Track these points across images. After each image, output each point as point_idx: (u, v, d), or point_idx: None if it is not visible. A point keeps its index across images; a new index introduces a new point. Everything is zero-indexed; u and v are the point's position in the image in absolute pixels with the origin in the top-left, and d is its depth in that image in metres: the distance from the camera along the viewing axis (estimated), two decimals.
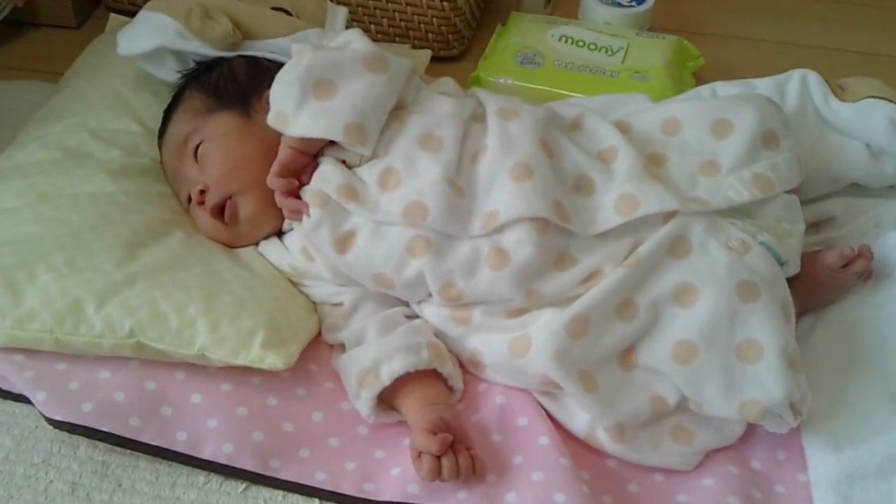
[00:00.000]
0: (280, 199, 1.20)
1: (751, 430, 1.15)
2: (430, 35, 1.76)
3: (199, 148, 1.25)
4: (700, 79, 1.72)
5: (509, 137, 1.18)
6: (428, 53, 1.63)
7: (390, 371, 1.11)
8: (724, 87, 1.38)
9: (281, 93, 1.19)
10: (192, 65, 1.38)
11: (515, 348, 1.13)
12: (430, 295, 1.18)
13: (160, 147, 1.34)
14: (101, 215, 1.23)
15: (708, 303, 1.10)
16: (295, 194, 1.20)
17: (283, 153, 1.20)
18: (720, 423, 1.13)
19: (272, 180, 1.19)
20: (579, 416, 1.13)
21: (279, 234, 1.28)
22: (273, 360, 1.11)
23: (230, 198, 1.24)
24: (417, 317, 1.22)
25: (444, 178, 1.15)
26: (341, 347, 1.21)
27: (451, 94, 1.29)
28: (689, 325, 1.10)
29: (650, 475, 1.13)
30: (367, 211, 1.16)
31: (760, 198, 1.17)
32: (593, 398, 1.09)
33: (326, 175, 1.19)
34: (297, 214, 1.20)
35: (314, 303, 1.25)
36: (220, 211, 1.24)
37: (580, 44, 1.68)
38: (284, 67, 1.21)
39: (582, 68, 1.64)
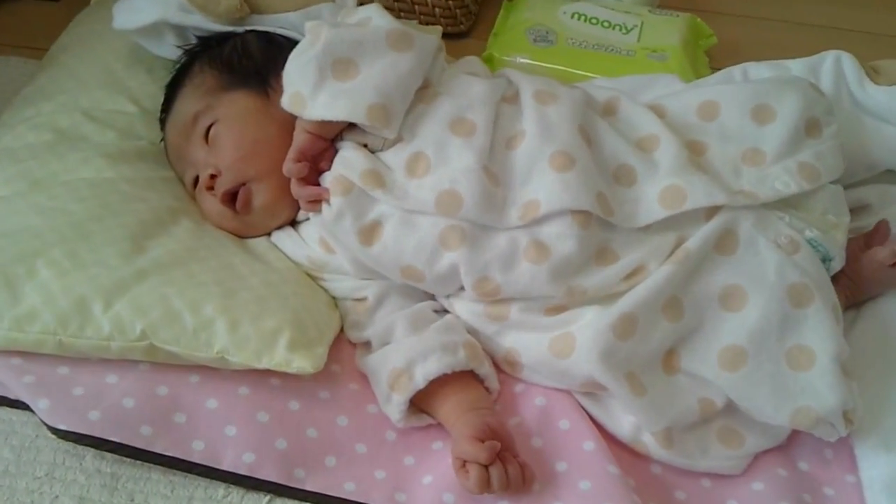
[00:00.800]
0: (296, 188, 1.12)
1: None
2: (436, 10, 1.67)
3: (212, 128, 1.16)
4: (711, 58, 1.66)
5: (548, 124, 1.10)
6: (439, 30, 1.54)
7: (425, 372, 1.04)
8: (756, 69, 1.32)
9: (296, 73, 1.10)
10: (194, 40, 1.28)
11: (557, 348, 1.06)
12: (462, 289, 1.11)
13: (163, 126, 1.24)
14: (102, 204, 1.14)
15: (757, 308, 1.04)
16: (313, 182, 1.12)
17: (300, 138, 1.11)
18: (768, 424, 1.07)
19: (289, 166, 1.10)
20: (624, 420, 1.07)
21: (292, 223, 1.20)
22: (301, 364, 1.03)
23: (244, 184, 1.15)
24: (446, 311, 1.15)
25: (480, 166, 1.07)
26: (366, 346, 1.14)
27: (480, 74, 1.20)
28: (738, 330, 1.04)
29: (697, 481, 1.07)
30: (396, 198, 1.08)
31: (808, 189, 1.11)
32: (643, 402, 1.03)
33: (349, 160, 1.10)
34: (315, 205, 1.11)
35: (335, 298, 1.17)
36: (231, 198, 1.15)
37: (593, 21, 1.61)
38: (299, 46, 1.12)
39: (597, 47, 1.56)
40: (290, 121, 1.12)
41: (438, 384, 1.04)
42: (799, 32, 1.83)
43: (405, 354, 1.05)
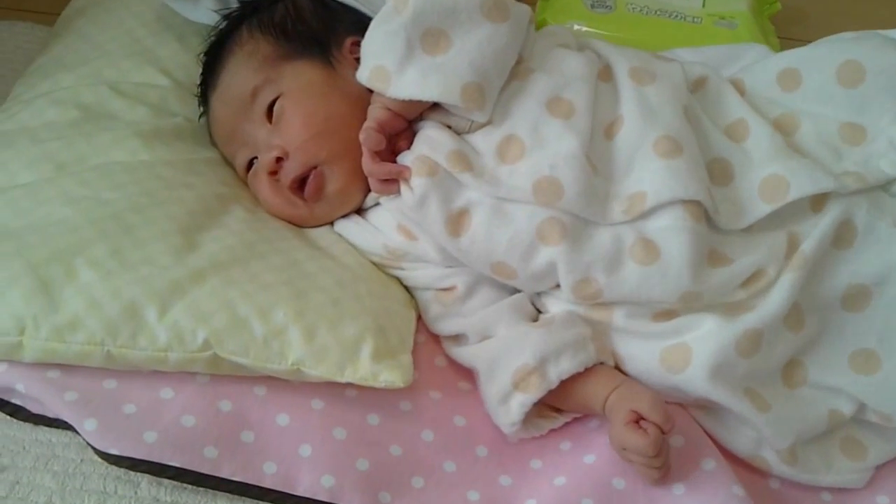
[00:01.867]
0: (370, 163, 0.98)
1: None
2: None
3: (276, 104, 1.03)
4: (775, 27, 1.54)
5: (649, 107, 0.98)
6: None
7: (559, 371, 0.93)
8: None
9: (380, 44, 0.96)
10: (234, 4, 1.14)
11: (670, 362, 0.94)
12: (557, 288, 0.99)
13: (204, 101, 1.10)
14: (143, 192, 1.00)
15: (885, 304, 0.95)
16: (388, 161, 0.99)
17: (379, 113, 0.98)
18: (891, 432, 0.98)
19: (368, 133, 0.97)
20: (743, 434, 0.96)
21: (358, 210, 1.07)
22: (390, 377, 0.90)
23: (315, 168, 1.02)
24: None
25: (582, 152, 0.95)
26: (454, 338, 1.02)
27: (571, 46, 1.07)
28: (866, 332, 0.96)
29: (818, 495, 0.98)
30: (487, 184, 0.96)
31: None
32: (769, 418, 0.93)
33: (434, 140, 0.98)
34: (390, 185, 0.99)
35: (407, 291, 1.05)
36: (300, 184, 1.02)
37: None
38: (382, 13, 0.98)
39: (660, 13, 1.44)
40: (363, 96, 1.00)
41: (566, 382, 0.94)
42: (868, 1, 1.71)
43: (535, 351, 0.94)
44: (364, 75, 0.97)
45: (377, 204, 1.04)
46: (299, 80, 1.03)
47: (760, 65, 1.08)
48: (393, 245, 1.02)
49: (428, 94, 0.95)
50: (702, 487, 0.92)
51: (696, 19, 1.43)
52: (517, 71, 1.00)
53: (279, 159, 1.01)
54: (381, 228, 1.03)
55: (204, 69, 1.10)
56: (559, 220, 0.94)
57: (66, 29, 1.24)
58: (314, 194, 1.02)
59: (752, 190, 0.97)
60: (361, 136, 0.97)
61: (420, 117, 1.00)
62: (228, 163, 1.09)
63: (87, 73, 1.15)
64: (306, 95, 1.02)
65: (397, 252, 1.02)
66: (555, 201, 0.94)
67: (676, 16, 1.44)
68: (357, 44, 1.05)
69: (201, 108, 1.12)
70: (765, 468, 0.96)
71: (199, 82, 1.11)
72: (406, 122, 0.99)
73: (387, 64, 0.96)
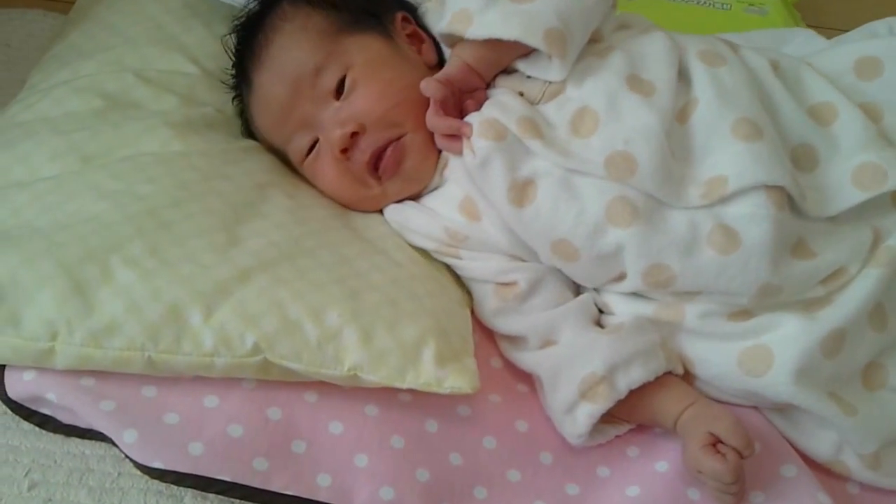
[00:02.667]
0: (434, 117, 0.93)
1: None
2: None
3: (347, 78, 0.96)
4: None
5: (724, 88, 0.92)
6: None
7: (629, 381, 0.87)
8: None
9: None
10: None
11: (750, 365, 0.89)
12: (620, 279, 0.93)
13: (249, 82, 1.01)
14: (178, 185, 0.93)
15: None
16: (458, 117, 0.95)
17: (453, 64, 0.94)
18: None
19: (436, 87, 0.91)
20: (822, 438, 0.91)
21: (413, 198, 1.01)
22: (456, 382, 0.84)
23: (396, 140, 0.96)
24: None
25: (662, 129, 0.89)
26: (512, 339, 0.97)
27: (649, 30, 1.00)
28: None
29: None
30: (557, 154, 0.90)
31: None
32: (855, 422, 0.88)
33: (505, 104, 0.93)
34: (453, 142, 0.94)
35: (461, 290, 0.98)
36: (377, 160, 0.96)
37: None
38: None
39: (689, 0, 1.40)
40: (427, 70, 0.97)
41: (635, 391, 0.89)
42: None
43: (604, 359, 0.88)
44: (444, 24, 0.94)
45: (437, 188, 0.99)
46: (367, 53, 0.97)
47: (833, 51, 1.03)
48: (454, 227, 0.96)
49: (509, 32, 0.90)
50: (784, 495, 0.87)
51: (725, 6, 1.40)
52: (595, 48, 0.96)
53: (355, 134, 0.95)
54: (440, 211, 0.97)
55: (241, 49, 1.03)
56: (630, 201, 0.89)
57: (83, 15, 1.17)
58: (392, 168, 0.96)
59: (842, 177, 0.92)
60: (422, 85, 0.92)
61: (492, 84, 0.96)
62: (269, 150, 1.03)
63: (109, 61, 1.08)
64: (379, 67, 0.97)
65: (458, 235, 0.96)
66: (627, 177, 0.88)
67: (705, 2, 1.40)
68: (407, 19, 1.01)
69: (237, 92, 1.05)
70: (844, 473, 0.91)
71: (233, 63, 1.04)
72: (480, 81, 0.95)
73: (470, 6, 0.92)
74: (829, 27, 1.36)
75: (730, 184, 0.88)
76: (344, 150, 0.95)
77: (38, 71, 1.11)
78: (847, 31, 1.24)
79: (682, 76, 0.94)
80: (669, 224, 0.89)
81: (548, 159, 0.90)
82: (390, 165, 0.96)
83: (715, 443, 0.84)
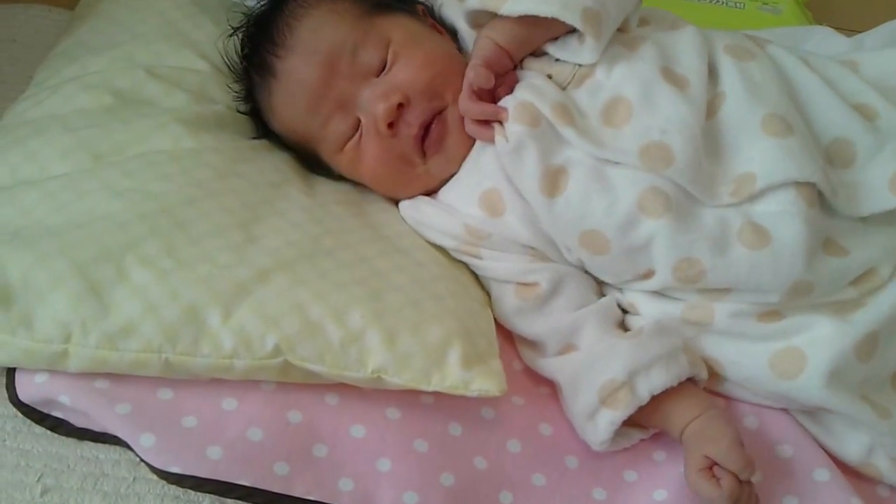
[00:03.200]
0: (468, 102, 0.90)
1: None
2: None
3: (389, 52, 0.94)
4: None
5: (754, 83, 0.90)
6: None
7: (651, 386, 0.85)
8: None
9: None
10: None
11: (782, 367, 0.87)
12: (647, 276, 0.91)
13: (272, 71, 0.97)
14: (193, 182, 0.91)
15: None
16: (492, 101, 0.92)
17: (485, 46, 0.91)
18: None
19: (479, 71, 0.89)
20: (852, 442, 0.89)
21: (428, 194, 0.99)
22: (484, 385, 0.82)
23: (440, 113, 0.93)
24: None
25: (696, 122, 0.88)
26: (530, 347, 0.94)
27: (676, 25, 0.98)
28: None
29: None
30: (590, 143, 0.88)
31: None
32: (890, 424, 0.86)
33: (539, 88, 0.91)
34: (486, 130, 0.91)
35: (482, 290, 0.96)
36: (424, 133, 0.93)
37: None
38: None
39: None
40: (456, 54, 0.97)
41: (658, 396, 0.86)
42: None
43: (624, 363, 0.86)
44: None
45: (451, 181, 0.96)
46: (405, 28, 0.96)
47: (876, 52, 1.02)
48: (474, 224, 0.93)
49: (547, 9, 0.87)
50: (818, 500, 0.85)
51: (739, 4, 1.40)
52: (622, 37, 0.94)
53: (401, 105, 0.92)
54: (459, 207, 0.95)
55: (256, 42, 0.99)
56: (663, 192, 0.87)
57: (90, 11, 1.15)
58: (438, 142, 0.93)
59: (880, 179, 0.89)
60: (469, 74, 0.90)
61: (520, 65, 0.94)
62: (288, 146, 1.00)
63: (118, 57, 1.06)
64: (418, 39, 0.96)
65: (479, 233, 0.93)
66: (663, 168, 0.86)
67: (720, 1, 1.39)
68: (426, 12, 1.00)
69: (248, 88, 1.01)
70: (875, 476, 0.89)
71: (245, 59, 1.01)
72: (510, 63, 0.93)
73: None
74: (840, 27, 1.34)
75: (758, 181, 0.86)
76: (391, 125, 0.92)
77: (45, 67, 1.09)
78: (857, 30, 1.23)
79: (710, 70, 0.92)
80: (700, 220, 0.87)
81: (581, 149, 0.88)
82: (436, 138, 0.93)
83: (711, 466, 0.82)
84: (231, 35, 1.04)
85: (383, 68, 0.94)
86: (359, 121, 0.94)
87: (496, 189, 0.93)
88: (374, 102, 0.92)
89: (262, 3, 1.03)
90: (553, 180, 0.89)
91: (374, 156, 0.94)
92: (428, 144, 0.93)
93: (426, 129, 0.93)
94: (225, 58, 1.04)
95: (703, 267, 0.87)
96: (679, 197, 0.87)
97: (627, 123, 0.89)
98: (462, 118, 0.93)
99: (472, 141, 0.95)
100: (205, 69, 1.06)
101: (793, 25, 1.36)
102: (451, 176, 0.96)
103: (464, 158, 0.95)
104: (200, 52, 1.08)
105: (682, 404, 0.86)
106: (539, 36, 0.92)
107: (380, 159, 0.94)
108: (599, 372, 0.86)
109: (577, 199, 0.88)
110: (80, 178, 0.91)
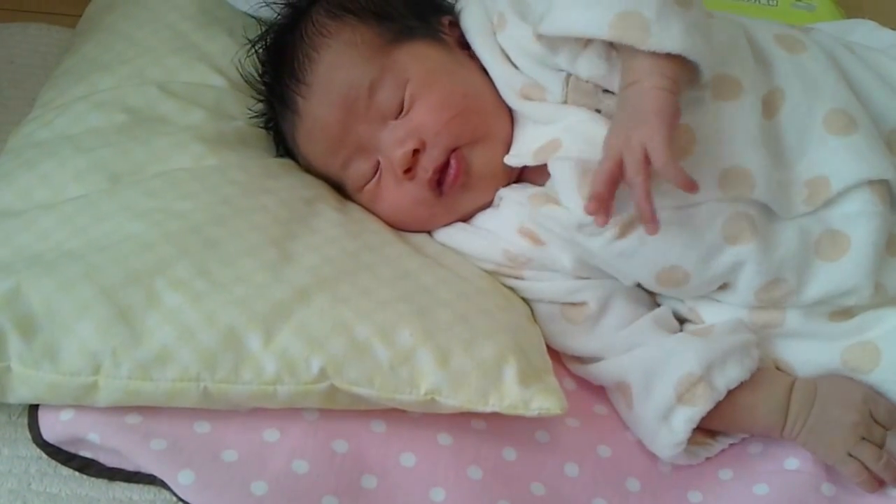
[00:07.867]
0: (675, 170, 0.73)
1: None
2: None
3: (406, 93, 0.89)
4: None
5: (810, 77, 0.87)
6: None
7: (727, 380, 0.82)
8: None
9: None
10: None
11: (855, 362, 0.84)
12: (722, 290, 0.86)
13: (295, 109, 0.92)
14: (220, 200, 0.86)
15: None
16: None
17: (670, 103, 0.75)
18: None
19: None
20: None
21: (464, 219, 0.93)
22: (544, 403, 0.77)
23: (456, 150, 0.88)
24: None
25: (760, 133, 0.83)
26: (578, 360, 0.90)
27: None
28: None
29: None
30: (663, 197, 0.79)
31: None
32: None
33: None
34: (602, 216, 0.77)
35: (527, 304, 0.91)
36: (441, 175, 0.88)
37: None
38: None
39: None
40: (482, 74, 0.90)
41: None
42: None
43: (700, 357, 0.82)
44: (603, 29, 0.77)
45: (489, 208, 0.91)
46: (424, 63, 0.90)
47: None
48: (515, 251, 0.89)
49: (692, 52, 0.75)
50: None
51: (772, 2, 1.37)
52: None
53: (416, 151, 0.87)
54: (498, 233, 0.90)
55: (276, 66, 0.94)
56: (747, 216, 0.82)
57: (94, 27, 1.09)
58: (457, 179, 0.88)
59: None
60: (663, 144, 0.73)
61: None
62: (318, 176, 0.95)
63: (129, 74, 1.00)
64: (437, 76, 0.89)
65: (520, 259, 0.89)
66: (746, 192, 0.81)
67: None
68: (452, 24, 0.94)
69: (270, 112, 0.97)
70: None
71: (266, 81, 0.97)
72: None
73: (645, 11, 0.76)
74: None
75: (832, 185, 0.82)
76: (408, 171, 0.87)
77: (50, 87, 1.03)
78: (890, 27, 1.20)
79: (759, 60, 0.88)
80: (782, 236, 0.83)
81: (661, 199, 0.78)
82: (455, 175, 0.88)
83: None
84: (249, 51, 0.99)
85: (401, 110, 0.89)
86: (378, 162, 0.90)
87: (530, 229, 0.88)
88: (391, 148, 0.88)
89: (278, 16, 0.98)
90: (623, 230, 0.83)
91: (394, 198, 0.90)
92: (447, 184, 0.88)
93: (443, 170, 0.88)
94: (244, 74, 0.99)
95: (790, 287, 0.84)
96: (762, 216, 0.83)
97: (692, 153, 0.82)
98: (492, 151, 0.88)
99: (504, 174, 0.90)
100: (221, 84, 1.01)
101: (826, 21, 1.33)
102: (486, 204, 0.91)
103: (492, 192, 0.91)
104: (215, 66, 1.02)
105: (763, 391, 0.84)
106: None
107: (399, 200, 0.90)
108: (675, 367, 0.82)
109: (653, 238, 0.79)
110: (97, 200, 0.85)
